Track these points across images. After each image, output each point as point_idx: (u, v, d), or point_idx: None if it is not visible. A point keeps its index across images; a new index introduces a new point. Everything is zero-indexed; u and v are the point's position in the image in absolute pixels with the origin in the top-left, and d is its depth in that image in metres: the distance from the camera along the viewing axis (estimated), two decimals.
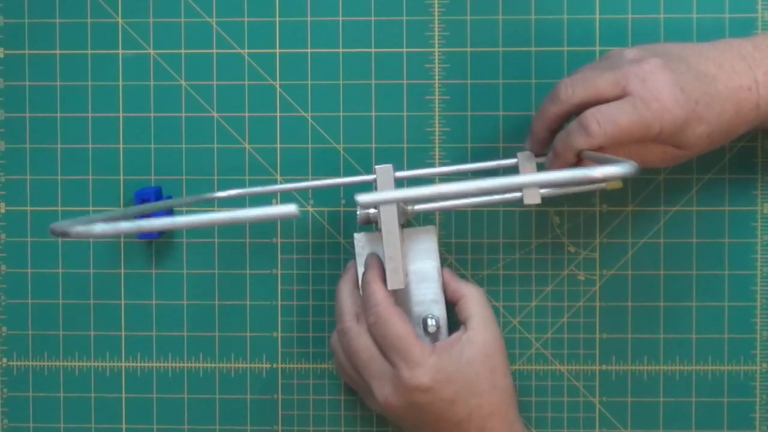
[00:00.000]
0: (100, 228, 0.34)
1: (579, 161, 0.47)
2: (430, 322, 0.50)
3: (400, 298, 0.51)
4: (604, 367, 0.55)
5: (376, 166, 0.50)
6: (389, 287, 0.48)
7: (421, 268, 0.51)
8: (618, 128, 0.44)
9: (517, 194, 0.49)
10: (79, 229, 0.34)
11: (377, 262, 0.50)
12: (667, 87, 0.44)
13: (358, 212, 0.50)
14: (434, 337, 0.50)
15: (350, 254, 0.55)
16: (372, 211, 0.50)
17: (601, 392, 0.55)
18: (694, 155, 0.47)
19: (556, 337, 0.55)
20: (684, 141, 0.45)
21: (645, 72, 0.44)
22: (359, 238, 0.51)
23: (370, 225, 0.50)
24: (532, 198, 0.49)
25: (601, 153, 0.45)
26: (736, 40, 0.47)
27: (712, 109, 0.44)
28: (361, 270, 0.51)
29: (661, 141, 0.45)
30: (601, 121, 0.44)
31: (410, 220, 0.55)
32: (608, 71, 0.45)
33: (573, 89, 0.46)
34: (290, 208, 0.33)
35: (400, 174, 0.51)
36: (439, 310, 0.51)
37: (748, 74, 0.45)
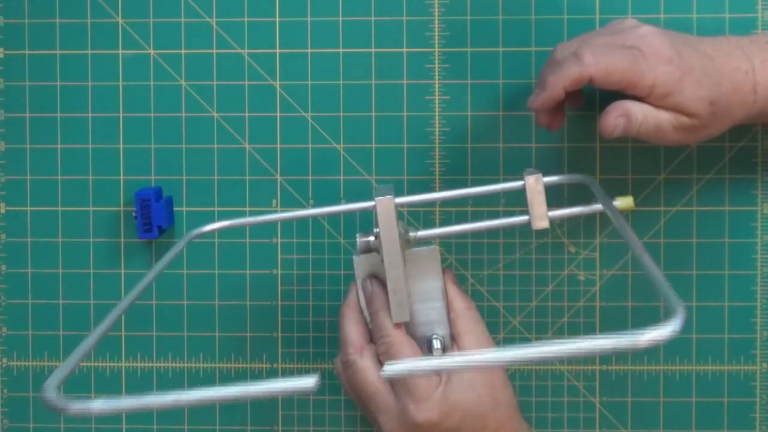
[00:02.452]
0: (99, 407, 0.31)
1: (566, 98, 0.47)
2: (436, 343, 0.49)
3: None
4: (604, 367, 0.55)
5: (376, 198, 0.45)
6: (394, 320, 0.47)
7: (425, 288, 0.49)
8: (611, 64, 0.44)
9: (525, 218, 0.47)
10: (77, 407, 0.31)
11: (381, 289, 0.48)
12: (664, 46, 0.45)
13: (357, 240, 0.47)
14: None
15: (350, 254, 0.55)
16: (372, 239, 0.47)
17: (601, 392, 0.55)
18: (706, 133, 0.46)
19: (556, 337, 0.55)
20: (687, 104, 0.45)
21: (644, 33, 0.45)
22: (359, 261, 0.49)
23: (371, 252, 0.49)
24: (541, 224, 0.47)
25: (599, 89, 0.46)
26: (733, 36, 0.48)
27: (709, 77, 0.45)
28: (361, 294, 0.49)
29: (665, 104, 0.45)
30: (597, 54, 0.44)
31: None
32: (605, 38, 0.46)
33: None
34: (308, 382, 0.30)
35: (400, 200, 0.47)
36: (444, 329, 0.49)
37: (745, 60, 0.46)
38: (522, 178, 0.47)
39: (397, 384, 0.47)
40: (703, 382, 0.55)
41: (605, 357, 0.55)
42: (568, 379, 0.55)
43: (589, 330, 0.55)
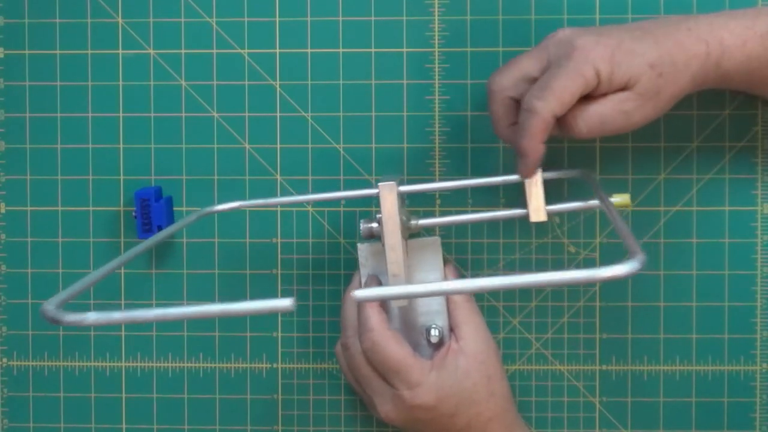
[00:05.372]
0: (93, 318, 0.33)
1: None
2: (434, 332, 0.50)
3: (404, 309, 0.51)
4: (604, 367, 0.55)
5: (380, 183, 0.47)
6: (394, 305, 0.48)
7: (426, 279, 0.50)
8: (559, 92, 0.44)
9: (523, 211, 0.49)
10: (72, 318, 0.33)
11: (375, 282, 0.50)
12: (582, 38, 0.44)
13: (361, 226, 0.49)
14: (436, 346, 0.50)
15: (349, 254, 0.55)
16: (375, 225, 0.48)
17: (601, 392, 0.55)
18: (662, 99, 0.45)
19: (556, 337, 0.55)
20: (628, 75, 0.44)
21: (560, 37, 0.45)
22: (363, 249, 0.51)
23: (374, 238, 0.50)
24: (539, 216, 0.48)
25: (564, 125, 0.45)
26: (679, 16, 0.47)
27: (643, 41, 0.44)
28: (364, 281, 0.51)
29: (612, 87, 0.44)
30: (541, 96, 0.44)
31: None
32: (531, 51, 0.47)
33: (500, 76, 0.47)
34: (285, 303, 0.31)
35: (402, 188, 0.49)
36: (443, 321, 0.50)
37: (686, 20, 0.46)
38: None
39: (389, 373, 0.48)
40: (703, 382, 0.55)
41: (605, 357, 0.55)
42: (568, 379, 0.55)
43: (589, 330, 0.55)
